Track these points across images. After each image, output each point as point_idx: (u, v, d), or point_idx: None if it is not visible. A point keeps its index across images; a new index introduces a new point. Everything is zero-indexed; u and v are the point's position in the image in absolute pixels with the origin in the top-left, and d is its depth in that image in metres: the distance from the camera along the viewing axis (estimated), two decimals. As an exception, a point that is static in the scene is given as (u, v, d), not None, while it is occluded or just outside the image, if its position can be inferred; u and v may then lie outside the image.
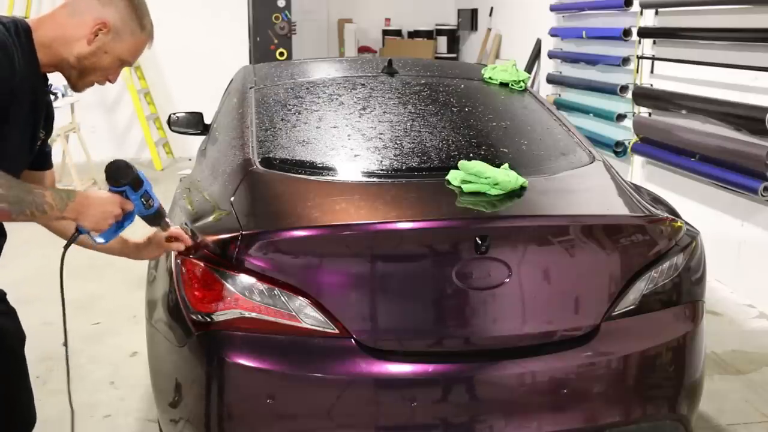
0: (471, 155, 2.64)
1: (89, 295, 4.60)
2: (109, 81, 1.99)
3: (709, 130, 4.87)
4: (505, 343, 2.23)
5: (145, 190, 1.92)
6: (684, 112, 5.16)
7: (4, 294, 2.22)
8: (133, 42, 1.92)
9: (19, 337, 2.23)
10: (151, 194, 1.94)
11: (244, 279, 2.10)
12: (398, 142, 2.72)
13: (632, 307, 2.31)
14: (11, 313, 2.23)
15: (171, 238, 2.18)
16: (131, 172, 1.88)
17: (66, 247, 1.94)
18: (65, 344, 2.01)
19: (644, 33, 5.69)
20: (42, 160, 2.10)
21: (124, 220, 1.92)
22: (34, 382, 2.36)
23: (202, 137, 3.82)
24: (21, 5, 8.17)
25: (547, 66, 7.94)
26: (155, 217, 2.00)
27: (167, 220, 2.07)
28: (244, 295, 2.10)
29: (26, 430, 2.30)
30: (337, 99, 3.04)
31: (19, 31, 1.82)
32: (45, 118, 2.02)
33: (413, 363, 2.16)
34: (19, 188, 1.72)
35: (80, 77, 1.93)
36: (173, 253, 2.26)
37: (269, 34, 9.10)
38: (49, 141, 2.12)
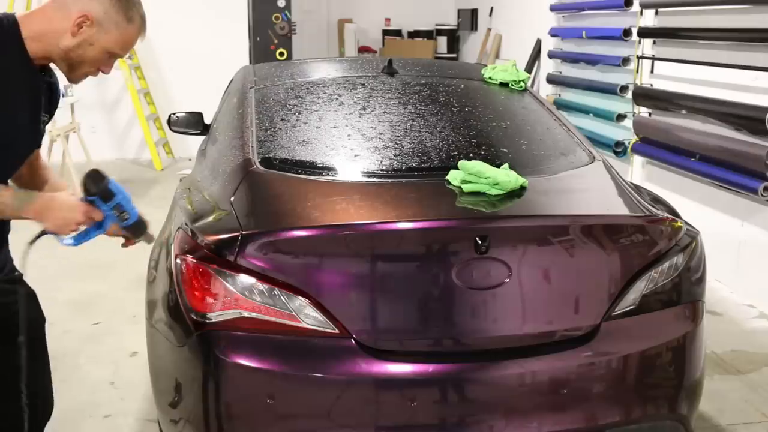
0: (471, 155, 2.64)
1: (89, 295, 4.60)
2: (103, 72, 2.03)
3: (709, 130, 4.87)
4: (505, 343, 2.23)
5: (118, 202, 1.93)
6: (684, 112, 5.16)
7: (21, 275, 2.25)
8: (119, 34, 1.95)
9: (39, 320, 2.27)
10: (125, 207, 1.95)
11: (244, 279, 2.10)
12: (398, 142, 2.72)
13: (632, 307, 2.31)
14: (31, 295, 2.27)
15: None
16: (101, 183, 1.90)
17: (30, 243, 1.98)
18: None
19: (644, 33, 5.69)
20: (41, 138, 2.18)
21: (96, 227, 1.96)
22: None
23: (202, 137, 3.82)
24: (21, 3, 8.18)
25: (547, 66, 7.94)
26: (133, 229, 2.03)
27: (150, 233, 2.10)
28: (244, 295, 2.10)
29: (44, 417, 2.32)
30: (337, 99, 3.04)
31: (3, 26, 1.88)
32: (49, 101, 2.09)
33: (413, 363, 2.16)
34: None
35: (70, 70, 1.98)
36: (173, 253, 2.26)
37: (269, 34, 9.11)
38: (48, 134, 2.20)
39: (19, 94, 1.94)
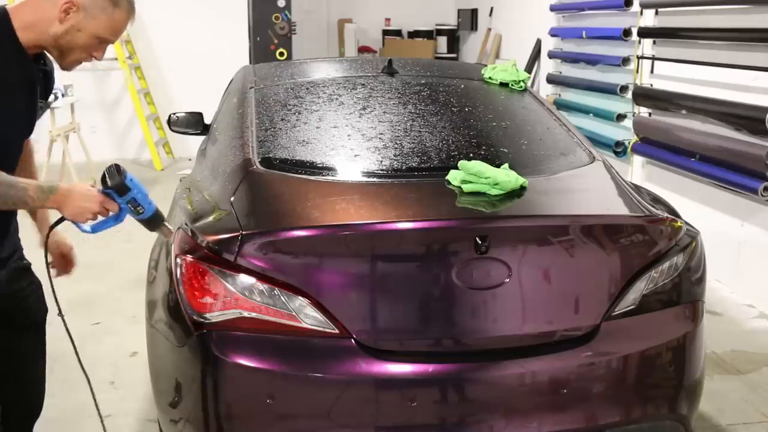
0: (471, 155, 2.64)
1: (89, 295, 4.60)
2: (95, 58, 2.07)
3: (709, 130, 4.87)
4: (505, 343, 2.23)
5: (133, 197, 2.02)
6: (684, 112, 5.16)
7: (29, 264, 2.31)
8: (106, 19, 1.98)
9: (43, 310, 2.35)
10: (140, 201, 2.04)
11: (244, 279, 2.10)
12: (398, 142, 2.72)
13: (632, 307, 2.31)
14: (37, 285, 2.33)
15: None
16: (118, 178, 1.99)
17: (51, 228, 2.16)
18: (60, 314, 2.18)
19: (644, 33, 5.69)
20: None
21: (114, 218, 2.05)
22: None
23: (202, 137, 3.82)
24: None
25: (547, 66, 7.94)
26: (148, 223, 2.11)
27: (166, 225, 2.15)
28: (244, 295, 2.10)
29: (35, 410, 2.35)
30: (337, 99, 3.04)
31: None
32: (45, 89, 2.14)
33: (413, 363, 2.16)
34: (4, 184, 1.88)
35: (62, 56, 2.02)
36: (173, 253, 2.26)
37: (269, 34, 9.10)
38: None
39: (14, 85, 1.97)
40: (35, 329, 2.32)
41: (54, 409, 3.11)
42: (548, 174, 2.67)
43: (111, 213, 2.02)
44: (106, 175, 2.00)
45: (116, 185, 1.99)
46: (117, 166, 2.01)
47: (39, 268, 2.34)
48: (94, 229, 2.07)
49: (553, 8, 7.62)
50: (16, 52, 1.95)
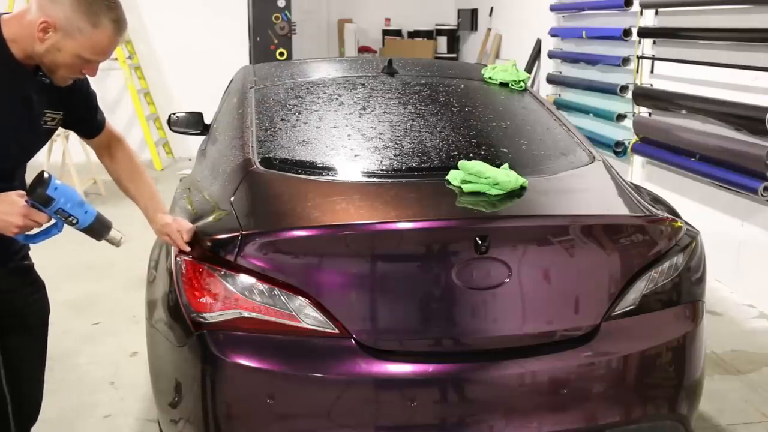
0: (471, 155, 2.64)
1: (89, 295, 4.60)
2: (88, 75, 2.02)
3: (709, 130, 4.87)
4: (505, 343, 2.23)
5: (59, 207, 1.88)
6: (684, 112, 5.16)
7: (32, 264, 2.29)
8: (86, 39, 1.90)
9: (46, 310, 2.34)
10: (69, 212, 1.91)
11: (244, 279, 2.10)
12: (398, 142, 2.72)
13: (632, 307, 2.31)
14: (38, 285, 2.32)
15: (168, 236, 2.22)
16: (38, 188, 1.86)
17: None
18: None
19: (644, 33, 5.69)
20: (89, 130, 2.36)
21: (56, 227, 1.95)
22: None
23: (202, 137, 3.82)
24: (21, 4, 8.18)
25: (547, 66, 7.94)
26: (89, 233, 2.00)
27: (115, 233, 2.05)
28: (244, 295, 2.10)
29: (32, 413, 2.35)
30: (337, 99, 3.04)
31: None
32: (57, 99, 2.08)
33: (413, 363, 2.16)
34: None
35: (50, 72, 1.98)
36: (173, 253, 2.26)
37: (269, 34, 9.10)
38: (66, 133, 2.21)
39: (4, 93, 1.93)
40: (36, 330, 2.31)
41: (53, 409, 3.11)
42: (548, 174, 2.67)
43: (46, 224, 1.91)
44: (30, 186, 1.87)
45: (37, 196, 1.85)
46: (40, 175, 1.87)
47: (42, 269, 2.34)
48: (35, 240, 1.95)
49: (553, 8, 7.62)
50: (6, 62, 1.91)
